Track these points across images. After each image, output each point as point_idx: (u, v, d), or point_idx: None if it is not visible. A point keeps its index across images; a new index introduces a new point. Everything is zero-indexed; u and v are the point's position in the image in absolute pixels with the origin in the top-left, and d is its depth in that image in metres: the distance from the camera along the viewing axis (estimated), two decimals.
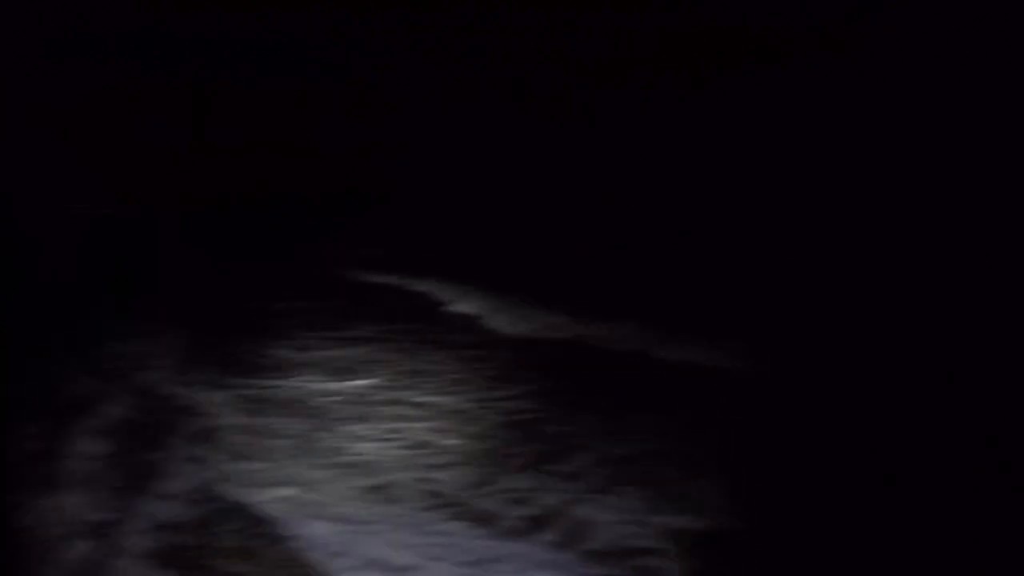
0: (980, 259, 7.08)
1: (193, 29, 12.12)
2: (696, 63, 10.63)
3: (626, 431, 3.84)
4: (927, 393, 4.73)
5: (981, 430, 3.76)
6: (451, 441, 3.72)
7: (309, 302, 7.46)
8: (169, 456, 3.15)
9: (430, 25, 12.10)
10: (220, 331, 5.53)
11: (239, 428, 3.46)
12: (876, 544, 2.29)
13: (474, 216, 11.37)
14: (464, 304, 7.08)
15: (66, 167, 11.50)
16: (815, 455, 3.44)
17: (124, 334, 4.90)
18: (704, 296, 7.97)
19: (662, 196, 10.68)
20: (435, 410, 4.28)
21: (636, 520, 2.50)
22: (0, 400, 3.35)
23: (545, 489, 3.02)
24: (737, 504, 2.69)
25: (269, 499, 2.78)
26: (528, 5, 11.31)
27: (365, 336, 6.07)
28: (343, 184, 13.34)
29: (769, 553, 2.26)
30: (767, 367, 5.56)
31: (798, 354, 6.02)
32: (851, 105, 9.58)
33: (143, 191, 12.22)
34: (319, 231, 11.70)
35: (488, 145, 12.91)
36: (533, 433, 4.01)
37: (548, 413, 4.41)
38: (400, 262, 9.60)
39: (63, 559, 2.35)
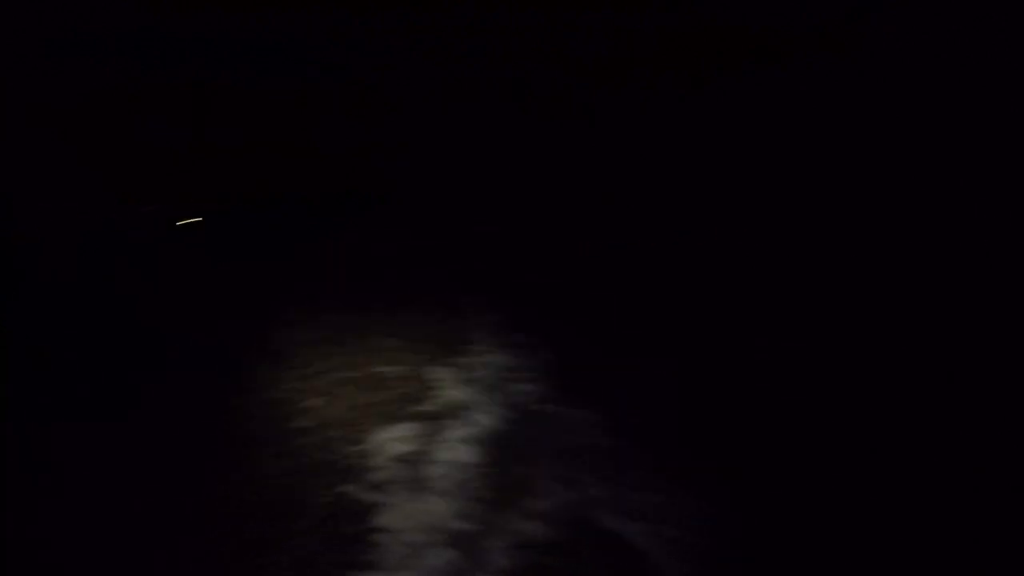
0: (979, 257, 7.08)
1: (193, 29, 12.12)
2: (696, 63, 10.63)
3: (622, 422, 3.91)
4: (927, 393, 4.73)
5: (981, 430, 3.77)
6: None
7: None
8: (537, 473, 3.04)
9: (430, 25, 12.10)
10: (577, 347, 5.05)
11: (605, 450, 3.09)
12: (874, 544, 2.29)
13: (474, 216, 11.37)
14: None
15: (66, 167, 11.49)
16: (815, 453, 3.45)
17: (496, 345, 4.67)
18: (703, 295, 7.96)
19: (662, 196, 10.69)
20: None
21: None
22: (370, 404, 3.49)
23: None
24: (737, 502, 2.69)
25: (639, 531, 2.51)
26: (528, 5, 11.32)
27: None
28: (343, 184, 13.34)
29: (767, 551, 2.26)
30: (766, 366, 5.55)
31: (797, 353, 6.01)
32: (851, 105, 9.59)
33: (143, 191, 12.21)
34: (319, 231, 11.70)
35: (488, 145, 12.91)
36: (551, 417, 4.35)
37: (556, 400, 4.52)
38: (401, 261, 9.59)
39: (421, 565, 2.41)
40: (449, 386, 3.66)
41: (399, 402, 3.65)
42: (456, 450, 3.27)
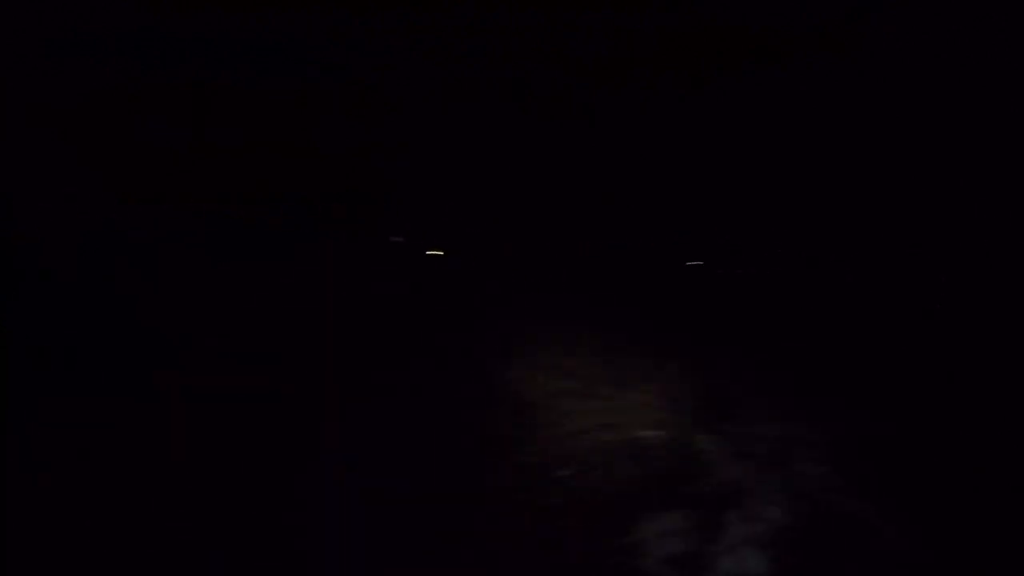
0: (979, 256, 7.08)
1: (193, 29, 12.12)
2: (696, 63, 10.63)
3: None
4: (927, 393, 4.72)
5: (980, 430, 3.76)
6: None
7: None
8: None
9: (430, 25, 12.11)
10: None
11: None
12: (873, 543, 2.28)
13: (473, 215, 11.36)
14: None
15: (66, 167, 11.49)
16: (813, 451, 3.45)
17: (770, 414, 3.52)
18: (702, 294, 7.96)
19: (662, 196, 10.68)
20: None
21: None
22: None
23: None
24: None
25: None
26: (528, 5, 11.32)
27: None
28: (343, 184, 13.35)
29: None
30: (764, 364, 5.55)
31: (797, 352, 6.01)
32: (851, 105, 9.59)
33: (143, 191, 12.21)
34: (319, 230, 11.68)
35: (488, 145, 12.92)
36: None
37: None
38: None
39: None
40: (721, 461, 2.73)
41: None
42: (741, 554, 2.47)
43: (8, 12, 11.07)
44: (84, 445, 3.67)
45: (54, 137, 11.93)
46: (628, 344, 6.09)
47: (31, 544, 2.23)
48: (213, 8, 12.04)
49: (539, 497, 2.44)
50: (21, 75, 11.59)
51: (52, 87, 12.01)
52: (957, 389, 4.16)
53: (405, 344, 6.60)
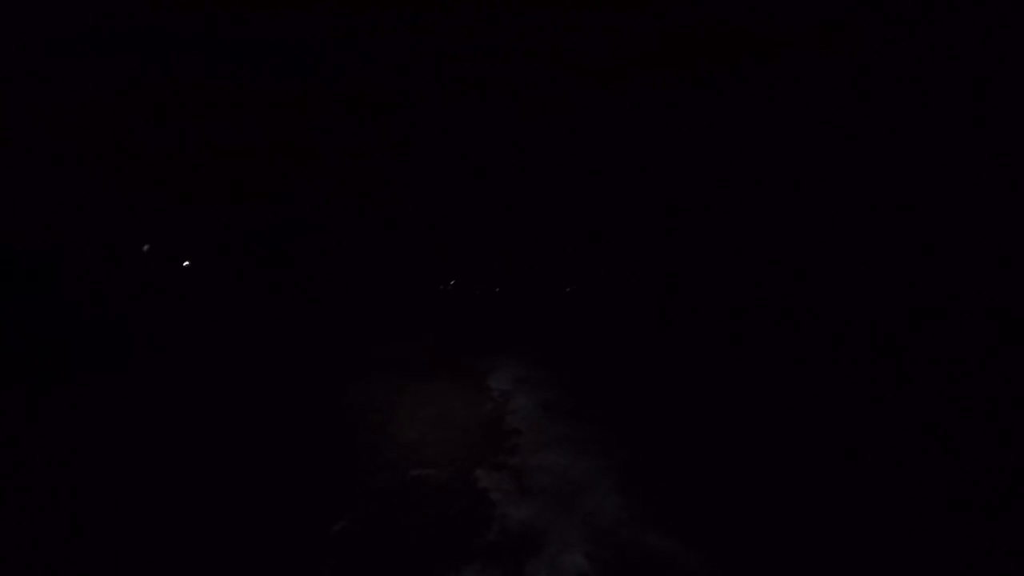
0: (978, 256, 7.07)
1: (193, 29, 12.12)
2: (696, 63, 10.64)
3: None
4: (926, 392, 4.73)
5: (980, 429, 3.79)
6: None
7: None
8: None
9: (430, 25, 12.11)
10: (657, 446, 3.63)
11: None
12: (871, 544, 2.31)
13: (473, 215, 11.37)
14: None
15: (66, 167, 11.51)
16: (810, 449, 3.47)
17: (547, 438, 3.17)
18: (701, 294, 7.96)
19: (661, 196, 10.68)
20: None
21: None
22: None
23: None
24: (727, 503, 2.70)
25: None
26: (528, 5, 11.33)
27: None
28: (343, 184, 13.36)
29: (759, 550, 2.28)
30: (761, 363, 5.56)
31: (795, 351, 6.02)
32: (851, 105, 9.58)
33: (143, 191, 12.23)
34: (319, 230, 11.69)
35: (488, 145, 12.92)
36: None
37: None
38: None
39: None
40: (508, 501, 2.27)
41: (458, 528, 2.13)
42: None
43: (8, 12, 11.06)
44: (82, 443, 3.69)
45: (54, 137, 11.92)
46: (395, 367, 5.26)
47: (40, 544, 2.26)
48: (213, 8, 12.03)
49: (310, 565, 2.14)
50: (21, 75, 11.59)
51: (52, 87, 12.01)
52: (730, 404, 3.93)
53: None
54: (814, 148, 9.62)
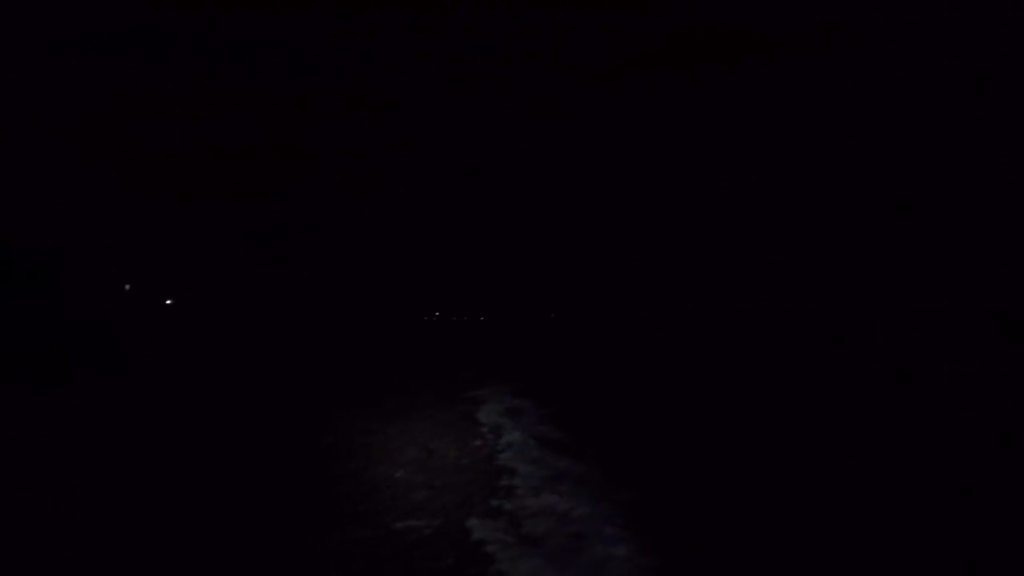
0: (978, 255, 7.06)
1: (193, 29, 12.13)
2: (696, 63, 10.64)
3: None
4: (926, 392, 4.73)
5: (980, 429, 3.79)
6: None
7: None
8: None
9: (430, 25, 12.11)
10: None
11: None
12: (870, 544, 2.31)
13: (473, 215, 11.37)
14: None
15: (66, 167, 11.51)
16: (809, 448, 3.48)
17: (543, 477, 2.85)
18: (701, 294, 7.95)
19: (661, 196, 10.68)
20: None
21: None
22: None
23: None
24: (727, 505, 2.71)
25: None
26: (528, 5, 11.33)
27: None
28: (343, 184, 13.36)
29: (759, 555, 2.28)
30: (759, 365, 5.55)
31: (794, 351, 6.01)
32: (851, 105, 9.59)
33: (143, 191, 12.23)
34: (319, 230, 11.68)
35: (488, 145, 12.91)
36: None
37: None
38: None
39: None
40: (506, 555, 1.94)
41: None
42: None
43: (8, 12, 11.06)
44: (80, 443, 3.69)
45: (54, 137, 11.92)
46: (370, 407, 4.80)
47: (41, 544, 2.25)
48: (213, 8, 12.03)
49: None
50: (21, 75, 11.60)
51: (52, 87, 12.02)
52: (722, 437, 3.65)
53: None
54: (814, 148, 9.62)
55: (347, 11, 12.30)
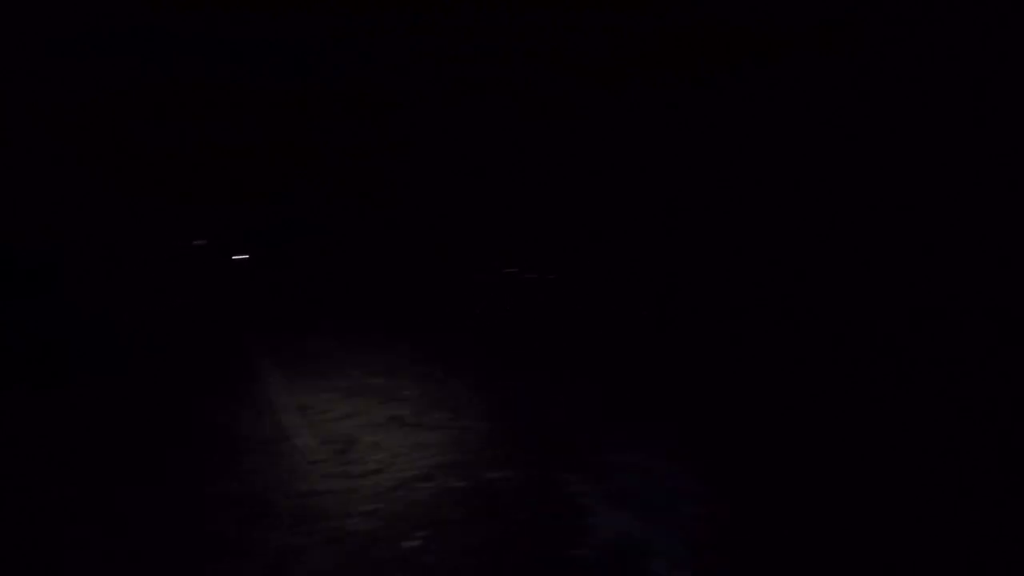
0: (978, 254, 7.08)
1: (193, 29, 12.13)
2: (696, 63, 10.65)
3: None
4: (926, 392, 4.75)
5: (980, 429, 3.80)
6: None
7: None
8: None
9: (430, 25, 12.12)
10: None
11: None
12: (869, 544, 2.32)
13: (472, 214, 11.38)
14: None
15: (66, 167, 11.52)
16: (810, 448, 3.49)
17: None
18: (700, 293, 7.97)
19: (660, 196, 10.69)
20: None
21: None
22: None
23: None
24: (743, 501, 2.72)
25: None
26: (528, 5, 11.34)
27: None
28: (343, 184, 13.37)
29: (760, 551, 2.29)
30: (758, 365, 5.58)
31: (793, 351, 6.03)
32: (851, 105, 9.60)
33: (143, 191, 12.24)
34: (319, 230, 11.70)
35: (488, 145, 12.92)
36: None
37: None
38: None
39: None
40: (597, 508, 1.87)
41: None
42: None
43: (8, 12, 11.06)
44: (80, 442, 3.70)
45: (54, 137, 11.93)
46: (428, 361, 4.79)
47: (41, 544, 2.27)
48: (213, 8, 12.04)
49: None
50: (21, 75, 11.60)
51: (52, 87, 12.02)
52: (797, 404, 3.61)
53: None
54: (814, 148, 9.63)
55: (347, 11, 12.33)
